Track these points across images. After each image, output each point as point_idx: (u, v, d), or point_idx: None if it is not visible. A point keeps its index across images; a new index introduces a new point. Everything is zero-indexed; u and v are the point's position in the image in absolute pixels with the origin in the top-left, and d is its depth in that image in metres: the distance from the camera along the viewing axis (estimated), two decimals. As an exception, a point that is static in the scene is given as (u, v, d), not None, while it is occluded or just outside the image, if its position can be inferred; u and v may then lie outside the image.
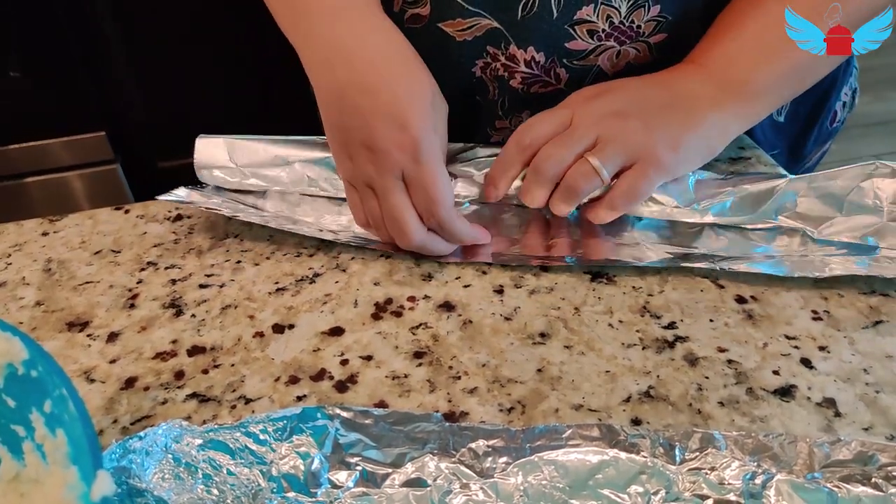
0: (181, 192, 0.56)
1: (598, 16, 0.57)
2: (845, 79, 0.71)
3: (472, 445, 0.39)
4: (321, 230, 0.55)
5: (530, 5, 0.57)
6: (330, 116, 0.52)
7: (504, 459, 0.38)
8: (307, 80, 0.56)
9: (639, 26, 0.58)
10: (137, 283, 0.53)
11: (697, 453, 0.37)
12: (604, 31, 0.57)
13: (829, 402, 0.41)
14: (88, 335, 0.49)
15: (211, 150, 0.58)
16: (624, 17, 0.57)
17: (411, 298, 0.50)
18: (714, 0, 0.58)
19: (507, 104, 0.65)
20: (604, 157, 0.50)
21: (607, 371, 0.44)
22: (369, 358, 0.46)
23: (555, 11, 0.57)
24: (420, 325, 0.48)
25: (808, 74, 0.56)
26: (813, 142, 0.73)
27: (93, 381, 0.46)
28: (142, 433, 0.38)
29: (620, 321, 0.47)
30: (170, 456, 0.38)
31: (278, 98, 0.54)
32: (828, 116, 0.72)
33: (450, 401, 0.43)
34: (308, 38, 0.54)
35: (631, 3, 0.56)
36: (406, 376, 0.44)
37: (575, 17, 0.57)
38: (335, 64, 0.52)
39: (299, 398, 0.43)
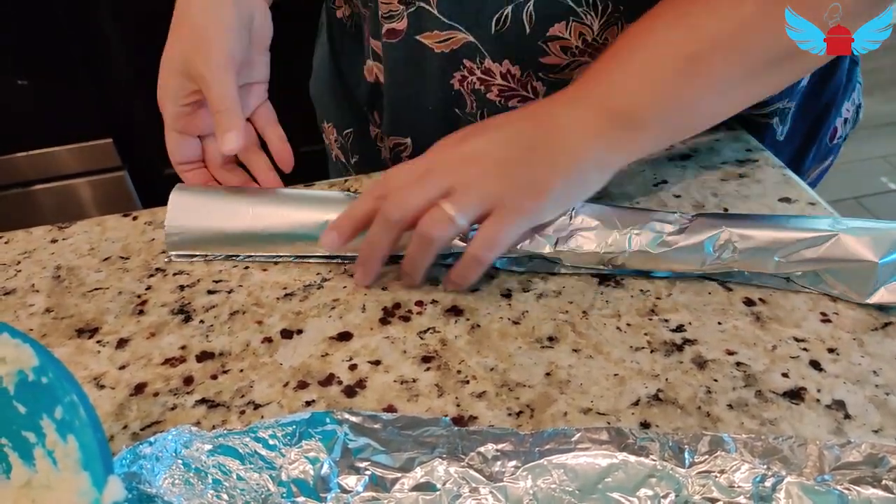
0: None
1: (570, 33, 0.56)
2: (846, 95, 0.70)
3: (481, 449, 0.39)
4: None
5: (503, 20, 0.56)
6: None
7: (513, 463, 0.38)
8: (306, 81, 0.55)
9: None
10: (146, 289, 0.53)
11: (707, 456, 0.37)
12: (577, 47, 0.57)
13: (839, 405, 0.41)
14: (98, 342, 0.49)
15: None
16: (597, 35, 0.56)
17: (419, 303, 0.50)
18: None
19: (486, 116, 0.64)
20: (459, 204, 0.47)
21: (616, 374, 0.44)
22: (377, 363, 0.46)
23: (527, 27, 0.56)
24: (428, 329, 0.48)
25: (703, 112, 0.52)
26: (812, 158, 0.71)
27: (102, 387, 0.46)
28: (152, 439, 0.39)
29: (628, 324, 0.47)
30: (180, 461, 0.38)
31: (278, 97, 0.55)
32: (826, 133, 0.71)
33: (458, 405, 0.43)
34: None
35: (603, 20, 0.55)
36: (414, 381, 0.44)
37: (548, 34, 0.56)
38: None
39: (308, 403, 0.44)
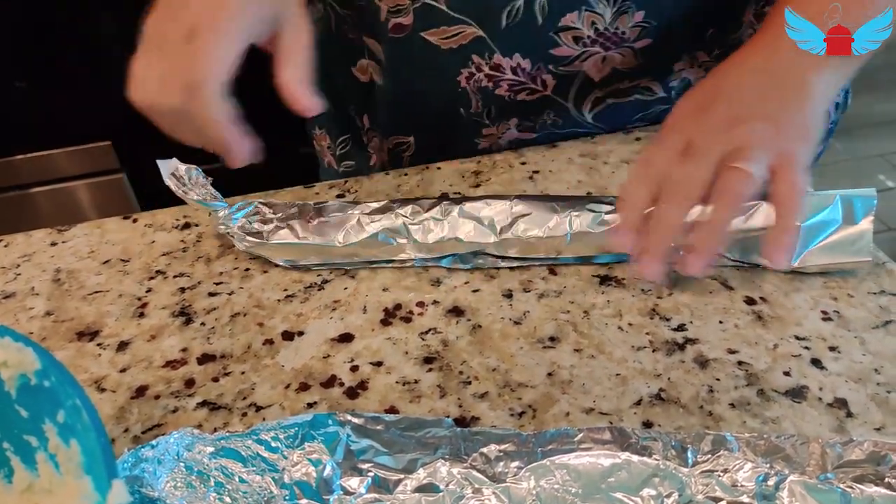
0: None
1: (582, 22, 0.57)
2: None
3: (484, 450, 0.38)
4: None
5: (514, 13, 0.57)
6: None
7: (516, 464, 0.38)
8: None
9: (623, 32, 0.58)
10: (146, 291, 0.53)
11: (710, 455, 0.37)
12: (589, 37, 0.57)
13: (841, 403, 0.41)
14: (98, 344, 0.49)
15: None
16: (609, 24, 0.57)
17: (420, 304, 0.50)
18: (697, 5, 0.58)
19: (494, 112, 0.64)
20: (750, 161, 0.46)
21: (618, 374, 0.44)
22: (379, 364, 0.46)
23: (539, 18, 0.57)
24: (429, 330, 0.48)
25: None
26: None
27: (103, 390, 0.46)
28: (153, 442, 0.39)
29: (630, 324, 0.47)
30: (182, 464, 0.38)
31: (277, 98, 0.55)
32: None
33: (460, 406, 0.43)
34: None
35: (615, 9, 0.56)
36: (416, 382, 0.44)
37: (560, 24, 0.57)
38: None
39: (310, 405, 0.43)
